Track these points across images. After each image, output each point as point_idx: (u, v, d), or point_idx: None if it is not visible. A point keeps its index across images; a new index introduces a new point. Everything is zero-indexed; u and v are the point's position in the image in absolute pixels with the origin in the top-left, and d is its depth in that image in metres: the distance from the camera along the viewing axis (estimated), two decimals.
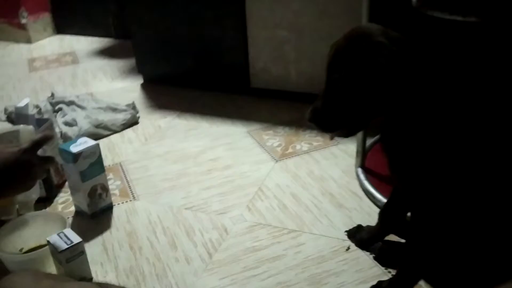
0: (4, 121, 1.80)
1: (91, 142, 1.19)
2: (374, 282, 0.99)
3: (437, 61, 0.88)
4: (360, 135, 1.34)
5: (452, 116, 0.85)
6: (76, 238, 0.99)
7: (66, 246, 0.97)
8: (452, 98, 0.86)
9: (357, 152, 1.36)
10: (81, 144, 1.17)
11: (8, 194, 0.88)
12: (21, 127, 1.00)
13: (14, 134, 0.99)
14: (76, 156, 1.15)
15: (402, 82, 0.80)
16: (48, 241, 0.99)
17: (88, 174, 1.19)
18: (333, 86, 0.84)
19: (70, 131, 1.58)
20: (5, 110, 1.83)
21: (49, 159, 0.91)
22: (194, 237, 1.16)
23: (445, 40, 1.12)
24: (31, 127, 1.02)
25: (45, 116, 1.71)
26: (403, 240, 1.09)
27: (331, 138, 0.93)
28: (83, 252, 1.01)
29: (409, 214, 1.05)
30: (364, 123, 0.88)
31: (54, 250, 0.98)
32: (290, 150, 1.52)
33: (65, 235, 1.00)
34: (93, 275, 1.05)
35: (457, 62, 1.01)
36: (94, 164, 1.19)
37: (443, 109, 0.85)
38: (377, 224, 1.10)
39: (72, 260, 0.98)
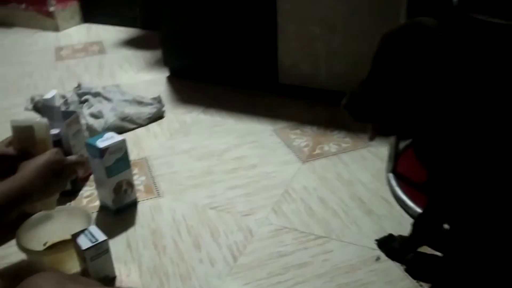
0: (30, 110, 1.80)
1: (117, 138, 1.17)
2: None
3: (487, 64, 0.83)
4: (393, 138, 1.29)
5: (498, 125, 0.80)
6: (101, 236, 0.98)
7: (91, 244, 0.95)
8: (500, 106, 0.81)
9: (389, 156, 1.31)
10: (108, 139, 1.16)
11: (43, 197, 0.89)
12: (35, 122, 0.98)
13: (28, 129, 0.97)
14: (102, 152, 1.13)
15: (454, 81, 0.76)
16: (72, 238, 0.98)
17: (114, 169, 1.17)
18: (379, 74, 0.80)
19: (96, 123, 1.58)
20: (32, 99, 1.83)
21: (79, 161, 0.93)
22: (219, 238, 1.14)
23: (487, 43, 1.07)
24: (45, 121, 0.99)
25: (72, 107, 1.71)
26: (437, 253, 1.04)
27: (371, 139, 0.89)
28: (107, 250, 0.99)
29: (446, 225, 1.00)
30: (401, 121, 0.84)
31: (79, 248, 0.96)
32: (317, 151, 1.48)
33: (90, 233, 0.98)
34: (117, 273, 1.04)
35: (501, 66, 0.95)
36: (120, 159, 1.17)
37: (490, 117, 0.80)
38: (410, 234, 1.05)
39: (96, 258, 0.97)
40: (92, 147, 1.15)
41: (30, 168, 0.89)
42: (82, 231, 0.99)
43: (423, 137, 0.89)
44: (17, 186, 0.86)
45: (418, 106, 0.79)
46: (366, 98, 0.82)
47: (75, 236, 0.98)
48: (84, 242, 0.96)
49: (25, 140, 0.99)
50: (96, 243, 0.96)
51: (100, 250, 0.97)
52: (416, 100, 0.78)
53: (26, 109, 1.81)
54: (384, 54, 0.79)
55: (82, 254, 0.96)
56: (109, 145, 1.14)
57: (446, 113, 0.79)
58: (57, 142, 1.22)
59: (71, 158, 0.96)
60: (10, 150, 0.98)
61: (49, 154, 0.92)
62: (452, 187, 0.88)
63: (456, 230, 0.90)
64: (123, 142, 1.17)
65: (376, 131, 0.88)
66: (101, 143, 1.14)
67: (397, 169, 1.32)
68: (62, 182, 0.94)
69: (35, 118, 1.01)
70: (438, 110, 0.79)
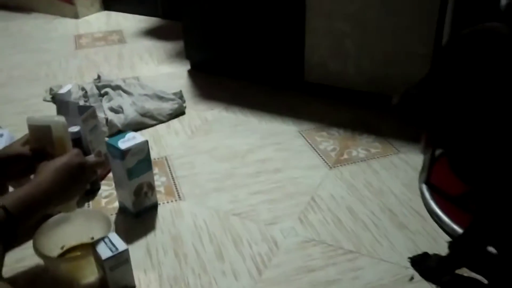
0: (49, 101, 1.76)
1: (139, 138, 1.12)
2: None
3: None
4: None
5: None
6: (121, 245, 0.93)
7: (111, 254, 0.91)
8: None
9: (423, 165, 1.24)
10: (130, 140, 1.10)
11: (62, 201, 0.86)
12: (52, 121, 0.93)
13: (45, 129, 0.93)
14: (124, 153, 1.08)
15: None
16: (92, 246, 0.93)
17: (135, 171, 1.12)
18: (442, 78, 0.73)
19: (116, 118, 1.53)
20: (51, 90, 1.79)
21: (98, 162, 0.90)
22: (243, 248, 1.09)
23: None
24: (62, 120, 0.94)
25: (91, 99, 1.66)
26: (477, 276, 0.97)
27: (425, 151, 0.82)
28: (127, 260, 0.94)
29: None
30: (457, 130, 0.77)
31: (98, 257, 0.92)
32: (345, 156, 1.41)
33: (110, 241, 0.93)
34: (136, 282, 0.99)
35: None
36: (142, 161, 1.12)
37: None
38: (448, 253, 0.99)
39: (116, 268, 0.92)
40: (113, 148, 1.10)
41: (48, 172, 0.85)
42: (102, 239, 0.94)
43: (476, 150, 0.81)
44: (36, 191, 0.82)
45: (481, 116, 0.72)
46: (422, 100, 0.75)
47: (94, 244, 0.93)
48: (104, 251, 0.91)
49: (42, 140, 0.94)
50: (116, 253, 0.91)
51: (120, 260, 0.93)
52: (480, 109, 0.71)
53: (45, 100, 1.77)
54: (452, 58, 0.72)
55: (101, 263, 0.92)
56: (131, 146, 1.09)
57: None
58: (77, 140, 1.18)
59: (91, 159, 0.92)
60: (26, 150, 0.94)
61: (69, 157, 0.87)
62: (503, 207, 0.81)
63: (505, 255, 0.84)
64: (145, 143, 1.12)
65: (431, 143, 0.81)
66: (123, 144, 1.09)
67: (431, 179, 1.24)
68: (81, 185, 0.90)
69: (52, 116, 0.96)
70: (503, 122, 0.72)
